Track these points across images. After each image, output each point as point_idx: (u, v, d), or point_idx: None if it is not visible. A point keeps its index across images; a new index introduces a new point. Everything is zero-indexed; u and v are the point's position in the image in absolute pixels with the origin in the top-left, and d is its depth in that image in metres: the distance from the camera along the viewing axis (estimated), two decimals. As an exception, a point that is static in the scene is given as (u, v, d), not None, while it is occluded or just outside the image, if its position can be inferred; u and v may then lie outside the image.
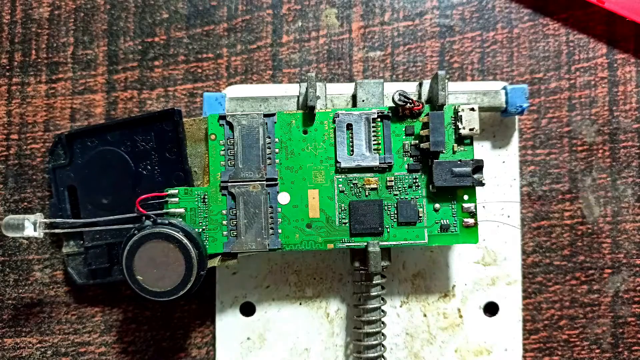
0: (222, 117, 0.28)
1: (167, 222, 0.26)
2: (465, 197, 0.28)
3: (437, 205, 0.28)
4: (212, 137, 0.28)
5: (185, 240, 0.25)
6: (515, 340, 0.31)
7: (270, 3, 0.33)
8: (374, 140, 0.28)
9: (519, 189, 0.31)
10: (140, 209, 0.26)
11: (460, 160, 0.27)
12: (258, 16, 0.33)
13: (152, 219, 0.26)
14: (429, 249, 0.31)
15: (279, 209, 0.28)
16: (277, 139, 0.28)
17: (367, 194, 0.28)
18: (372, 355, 0.29)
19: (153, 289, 0.26)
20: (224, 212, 0.27)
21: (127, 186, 0.29)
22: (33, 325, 0.32)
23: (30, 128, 0.32)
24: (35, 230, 0.27)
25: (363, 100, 0.28)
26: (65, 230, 0.29)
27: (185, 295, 0.26)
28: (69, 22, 0.33)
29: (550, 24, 0.33)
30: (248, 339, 0.31)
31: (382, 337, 0.29)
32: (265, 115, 0.28)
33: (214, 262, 0.27)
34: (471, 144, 0.28)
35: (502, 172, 0.31)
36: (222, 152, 0.28)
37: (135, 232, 0.26)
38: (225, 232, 0.27)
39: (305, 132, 0.28)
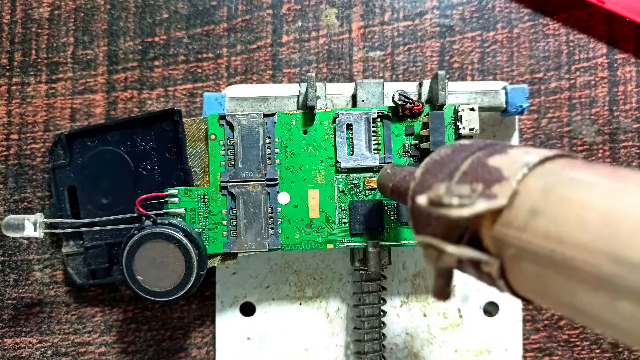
0: (222, 117, 0.28)
1: (167, 222, 0.26)
2: (465, 197, 0.28)
3: (437, 205, 0.28)
4: (212, 137, 0.28)
5: (185, 240, 0.25)
6: (515, 340, 0.31)
7: (270, 3, 0.33)
8: (374, 140, 0.28)
9: (519, 189, 0.31)
10: (140, 209, 0.26)
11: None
12: (258, 16, 0.33)
13: (152, 219, 0.26)
14: (429, 249, 0.31)
15: (279, 209, 0.28)
16: (277, 139, 0.28)
17: (367, 194, 0.28)
18: (372, 355, 0.29)
19: (153, 289, 0.26)
20: (224, 212, 0.27)
21: (127, 186, 0.29)
22: (33, 325, 0.32)
23: (30, 128, 0.32)
24: (35, 230, 0.27)
25: (363, 100, 0.28)
26: (65, 230, 0.29)
27: (185, 296, 0.26)
28: (69, 22, 0.33)
29: (550, 24, 0.33)
30: (248, 339, 0.31)
31: (382, 337, 0.29)
32: (265, 115, 0.28)
33: (214, 262, 0.27)
34: (471, 144, 0.28)
35: (502, 172, 0.31)
36: (222, 152, 0.28)
37: (135, 232, 0.26)
38: (225, 232, 0.27)
39: (305, 132, 0.28)
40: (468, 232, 0.16)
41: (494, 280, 0.16)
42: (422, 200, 0.16)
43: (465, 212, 0.15)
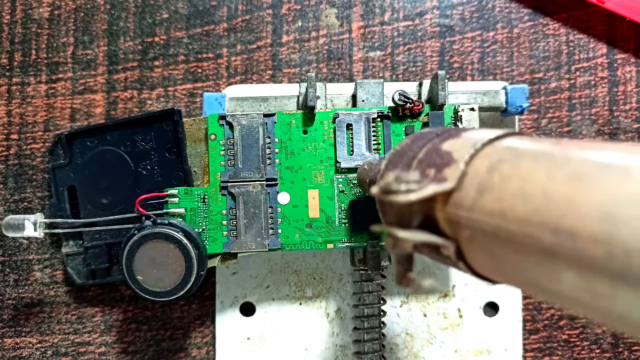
0: (222, 117, 0.28)
1: (167, 222, 0.26)
2: (465, 197, 0.28)
3: (437, 205, 0.28)
4: (212, 137, 0.28)
5: (185, 241, 0.25)
6: (515, 340, 0.31)
7: (270, 3, 0.33)
8: (374, 140, 0.28)
9: (519, 189, 0.31)
10: (140, 209, 0.26)
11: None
12: (258, 16, 0.33)
13: (152, 219, 0.26)
14: (429, 249, 0.31)
15: (279, 209, 0.28)
16: (277, 139, 0.28)
17: (370, 195, 0.28)
18: (372, 355, 0.29)
19: (153, 289, 0.26)
20: (223, 212, 0.27)
21: (127, 186, 0.29)
22: (33, 325, 0.32)
23: (30, 128, 0.32)
24: (35, 230, 0.27)
25: (363, 100, 0.28)
26: (65, 230, 0.29)
27: (185, 296, 0.26)
28: (69, 22, 0.33)
29: (550, 24, 0.33)
30: (248, 339, 0.31)
31: (382, 337, 0.29)
32: (265, 115, 0.28)
33: (214, 262, 0.27)
34: (471, 144, 0.28)
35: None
36: (222, 152, 0.28)
37: (135, 232, 0.26)
38: (225, 232, 0.27)
39: (305, 132, 0.28)
40: (419, 216, 0.17)
41: (455, 263, 0.16)
42: (374, 190, 0.16)
43: (412, 197, 0.15)
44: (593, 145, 0.13)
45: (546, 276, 0.13)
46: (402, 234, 0.16)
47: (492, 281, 0.16)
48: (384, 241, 0.17)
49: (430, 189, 0.15)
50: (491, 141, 0.16)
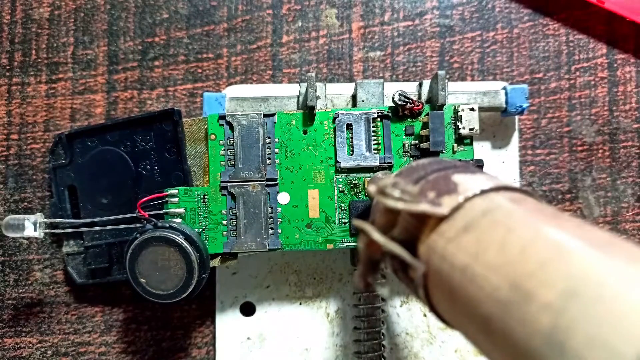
0: (222, 117, 0.28)
1: (167, 225, 0.26)
2: (465, 197, 0.28)
3: (437, 205, 0.28)
4: (212, 137, 0.28)
5: (185, 244, 0.25)
6: (515, 340, 0.31)
7: (270, 3, 0.33)
8: (374, 140, 0.28)
9: (518, 189, 0.31)
10: (142, 213, 0.26)
11: (460, 161, 0.27)
12: (258, 16, 0.33)
13: (152, 223, 0.26)
14: (429, 249, 0.31)
15: (279, 209, 0.28)
16: (276, 139, 0.28)
17: (367, 194, 0.28)
18: (372, 355, 0.29)
19: (157, 292, 0.26)
20: (223, 212, 0.27)
21: (127, 186, 0.29)
22: (33, 325, 0.32)
23: (30, 128, 0.32)
24: (35, 230, 0.27)
25: (363, 100, 0.28)
26: (66, 231, 0.29)
27: (188, 298, 0.26)
28: (69, 22, 0.33)
29: (550, 24, 0.33)
30: (248, 339, 0.31)
31: (382, 337, 0.29)
32: (265, 115, 0.28)
33: (214, 263, 0.27)
34: (471, 144, 0.28)
35: (502, 172, 0.31)
36: (222, 152, 0.28)
37: (137, 235, 0.26)
38: (225, 232, 0.27)
39: (305, 132, 0.28)
40: (402, 231, 0.17)
41: (417, 287, 0.16)
42: (371, 188, 0.16)
43: (399, 205, 0.15)
44: (592, 229, 0.13)
45: (489, 325, 0.13)
46: (377, 236, 0.16)
47: (443, 319, 0.17)
48: (358, 237, 0.17)
49: (421, 207, 0.15)
50: (500, 189, 0.16)
